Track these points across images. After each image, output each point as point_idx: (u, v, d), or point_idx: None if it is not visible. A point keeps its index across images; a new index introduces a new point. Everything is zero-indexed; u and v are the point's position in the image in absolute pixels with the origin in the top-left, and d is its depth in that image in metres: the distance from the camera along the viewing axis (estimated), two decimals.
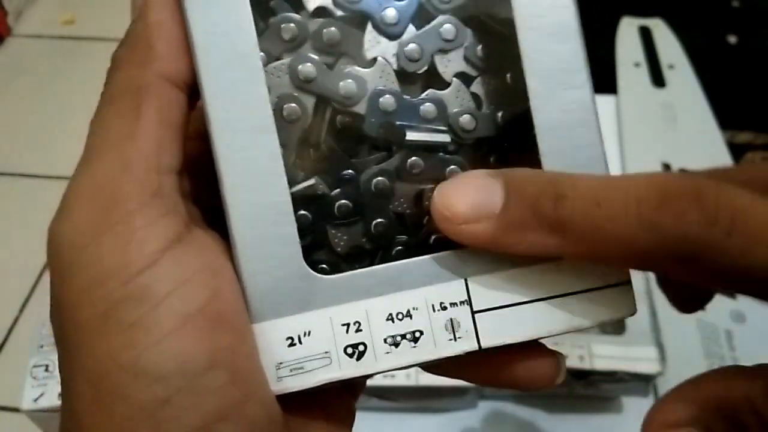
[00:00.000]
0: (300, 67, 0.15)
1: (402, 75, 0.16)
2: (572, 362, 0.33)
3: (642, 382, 0.33)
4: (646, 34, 0.60)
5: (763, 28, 0.61)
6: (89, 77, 0.67)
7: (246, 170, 0.14)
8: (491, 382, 0.16)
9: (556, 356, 0.16)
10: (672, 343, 0.38)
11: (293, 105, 0.15)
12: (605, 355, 0.33)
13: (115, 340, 0.12)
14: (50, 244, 0.13)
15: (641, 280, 0.35)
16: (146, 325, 0.12)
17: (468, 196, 0.14)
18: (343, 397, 0.16)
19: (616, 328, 0.34)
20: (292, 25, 0.15)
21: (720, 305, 0.39)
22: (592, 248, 0.13)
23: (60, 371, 0.13)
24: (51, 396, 0.34)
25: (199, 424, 0.12)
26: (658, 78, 0.56)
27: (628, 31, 0.60)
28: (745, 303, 0.39)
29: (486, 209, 0.13)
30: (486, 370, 0.16)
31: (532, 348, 0.16)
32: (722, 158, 0.50)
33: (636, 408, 0.36)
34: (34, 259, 0.48)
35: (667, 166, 0.50)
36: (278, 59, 0.16)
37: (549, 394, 0.36)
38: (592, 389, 0.34)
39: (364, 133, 0.16)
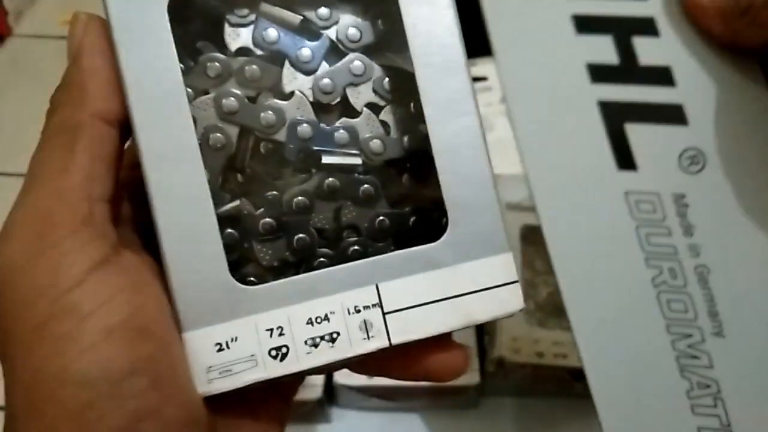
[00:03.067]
0: (224, 100, 0.17)
1: (317, 106, 0.18)
2: (572, 362, 0.32)
3: None
4: None
5: None
6: None
7: (174, 194, 0.16)
8: (408, 375, 0.18)
9: (464, 348, 0.18)
10: None
11: (218, 135, 0.17)
12: None
13: (46, 351, 0.14)
14: None
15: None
16: (73, 337, 0.14)
17: None
18: (272, 401, 0.18)
19: None
20: (216, 63, 0.17)
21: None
22: None
23: (4, 381, 0.15)
24: None
25: (121, 425, 0.14)
26: None
27: None
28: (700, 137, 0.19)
29: None
30: (402, 365, 0.18)
31: (443, 343, 0.17)
32: None
33: None
34: None
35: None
36: (205, 94, 0.17)
37: (549, 393, 0.35)
38: None
39: (285, 158, 0.18)
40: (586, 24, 0.20)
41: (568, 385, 0.34)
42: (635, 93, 0.19)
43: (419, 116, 0.17)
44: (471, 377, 0.34)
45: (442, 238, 0.17)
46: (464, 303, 0.17)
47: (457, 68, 0.17)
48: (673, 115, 0.19)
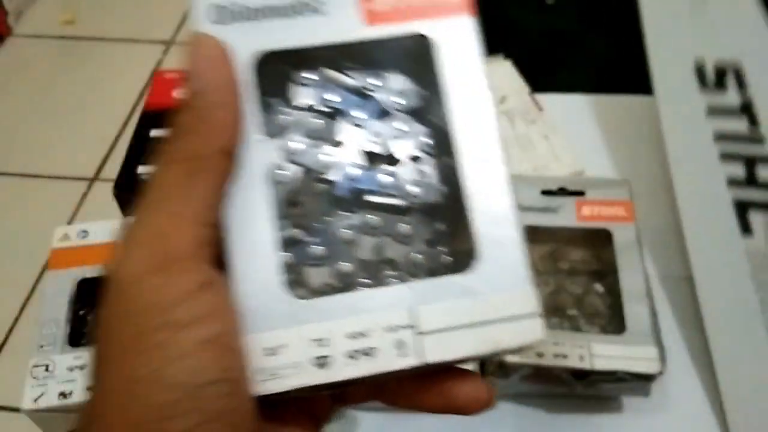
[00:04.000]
0: (289, 144, 0.20)
1: (366, 154, 0.21)
2: (572, 362, 0.32)
3: (642, 381, 0.33)
4: None
5: None
6: (89, 77, 0.70)
7: (244, 216, 0.18)
8: (436, 407, 0.19)
9: (488, 383, 0.20)
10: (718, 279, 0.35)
11: (282, 171, 0.20)
12: (605, 354, 0.33)
13: (143, 356, 0.16)
14: (108, 276, 0.17)
15: (641, 281, 0.35)
16: (170, 345, 0.16)
17: None
18: (304, 424, 0.20)
19: (616, 327, 0.34)
20: (286, 117, 0.21)
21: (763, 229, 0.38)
22: None
23: (90, 379, 0.17)
24: (51, 396, 0.35)
25: (197, 422, 0.16)
26: None
27: None
28: None
29: None
30: (430, 397, 0.19)
31: (468, 376, 0.19)
32: (764, 40, 0.44)
33: (636, 408, 0.36)
34: (34, 258, 0.48)
35: (700, 66, 0.44)
36: (275, 138, 0.20)
37: (549, 393, 0.36)
38: (593, 389, 0.34)
39: (335, 195, 0.21)
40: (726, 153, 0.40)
41: (569, 385, 0.34)
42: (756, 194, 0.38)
43: (453, 167, 0.20)
44: None
45: (472, 270, 0.19)
46: (491, 330, 0.18)
47: (488, 125, 0.20)
48: None
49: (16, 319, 0.46)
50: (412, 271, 0.21)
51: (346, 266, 0.20)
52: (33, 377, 0.36)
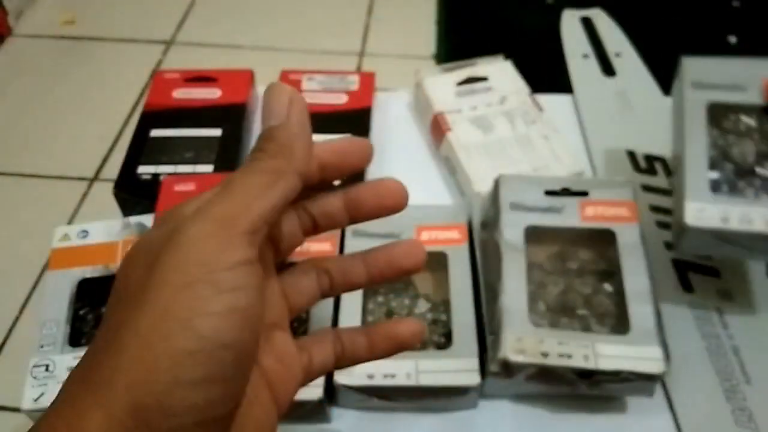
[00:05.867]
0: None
1: None
2: (577, 362, 0.32)
3: (646, 381, 0.33)
4: (588, 26, 0.60)
5: (763, 27, 0.60)
6: (89, 77, 0.70)
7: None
8: (388, 350, 0.25)
9: (419, 322, 0.25)
10: (670, 334, 0.37)
11: None
12: (610, 354, 0.33)
13: (185, 302, 0.18)
14: (177, 230, 0.19)
15: (645, 281, 0.35)
16: (208, 302, 0.18)
17: None
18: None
19: (620, 328, 0.35)
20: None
21: (708, 285, 0.41)
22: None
23: (110, 315, 0.19)
24: (51, 396, 0.34)
25: (200, 377, 0.18)
26: (607, 67, 0.56)
27: (570, 23, 0.60)
28: (731, 282, 0.41)
29: None
30: (382, 342, 0.25)
31: (405, 319, 0.26)
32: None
33: (640, 408, 0.36)
34: (34, 258, 0.47)
35: (632, 153, 0.49)
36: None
37: (552, 393, 0.35)
38: (597, 389, 0.34)
39: None
40: (661, 221, 0.45)
41: (573, 384, 0.34)
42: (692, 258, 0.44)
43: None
44: (471, 378, 0.34)
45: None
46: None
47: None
48: (713, 274, 0.43)
49: (16, 319, 0.46)
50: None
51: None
52: (33, 377, 0.36)
